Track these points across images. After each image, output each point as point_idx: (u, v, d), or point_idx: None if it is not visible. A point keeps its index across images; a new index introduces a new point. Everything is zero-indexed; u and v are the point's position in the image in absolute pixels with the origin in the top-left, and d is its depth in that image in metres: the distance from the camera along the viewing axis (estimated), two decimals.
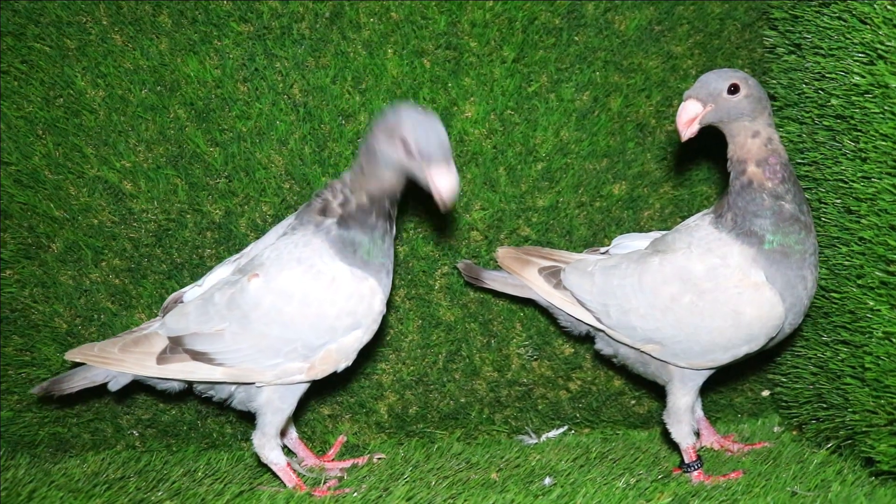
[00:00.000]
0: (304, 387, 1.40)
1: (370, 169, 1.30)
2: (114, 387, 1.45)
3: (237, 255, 1.45)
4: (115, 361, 1.39)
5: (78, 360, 1.41)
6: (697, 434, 1.58)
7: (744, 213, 1.35)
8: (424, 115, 1.25)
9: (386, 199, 1.33)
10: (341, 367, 1.38)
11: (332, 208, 1.34)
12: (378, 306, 1.34)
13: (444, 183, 1.23)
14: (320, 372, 1.36)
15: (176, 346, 1.37)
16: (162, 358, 1.37)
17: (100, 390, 1.49)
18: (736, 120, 1.34)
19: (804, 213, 1.36)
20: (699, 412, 1.61)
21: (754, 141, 1.35)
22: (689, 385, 1.45)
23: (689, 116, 1.34)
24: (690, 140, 1.66)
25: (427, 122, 1.24)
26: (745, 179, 1.35)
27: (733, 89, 1.33)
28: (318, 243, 1.33)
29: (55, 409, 1.59)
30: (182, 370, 1.37)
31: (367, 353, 1.62)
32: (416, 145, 1.22)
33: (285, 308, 1.31)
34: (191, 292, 1.43)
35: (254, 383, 1.38)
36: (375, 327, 1.37)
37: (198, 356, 1.36)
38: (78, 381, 1.44)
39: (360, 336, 1.35)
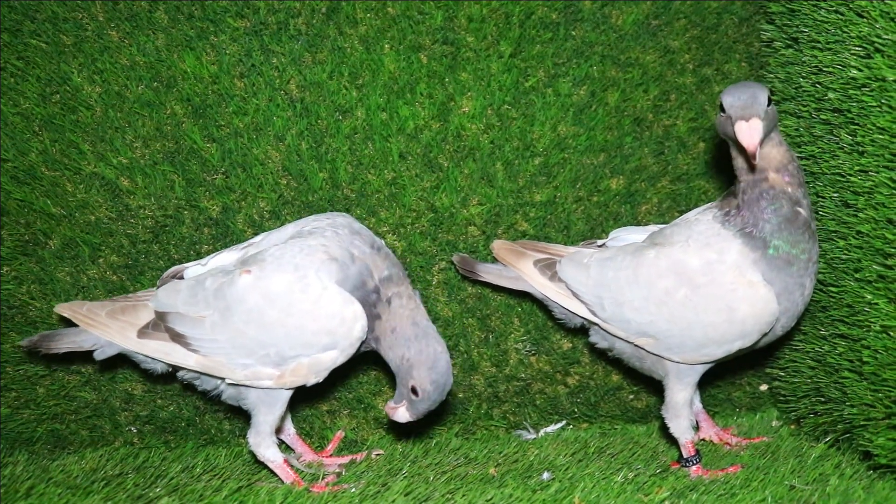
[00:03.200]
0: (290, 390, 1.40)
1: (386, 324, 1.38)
2: (99, 356, 1.45)
3: (246, 243, 1.45)
4: (99, 325, 1.39)
5: (66, 315, 1.41)
6: (696, 427, 1.58)
7: (757, 219, 1.33)
8: (444, 360, 1.37)
9: None
10: (311, 382, 1.37)
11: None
12: (358, 332, 1.33)
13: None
14: (290, 382, 1.36)
15: (160, 321, 1.37)
16: (143, 332, 1.37)
17: (86, 359, 1.50)
18: (770, 131, 1.31)
19: (813, 220, 1.35)
20: (698, 405, 1.61)
21: (780, 149, 1.33)
22: (685, 380, 1.44)
23: (761, 136, 1.25)
24: (690, 135, 1.68)
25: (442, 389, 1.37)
26: (765, 186, 1.32)
27: (770, 100, 1.28)
28: (321, 258, 1.34)
29: (53, 405, 1.59)
30: (159, 349, 1.37)
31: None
32: (422, 389, 1.35)
33: (267, 311, 1.31)
34: (192, 269, 1.43)
35: (224, 379, 1.38)
36: (352, 351, 1.36)
37: (177, 337, 1.36)
38: (66, 343, 1.44)
39: (335, 357, 1.35)
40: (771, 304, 1.33)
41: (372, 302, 1.35)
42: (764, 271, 1.33)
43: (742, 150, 1.29)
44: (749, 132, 1.25)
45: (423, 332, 1.36)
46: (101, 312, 1.40)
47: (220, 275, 1.37)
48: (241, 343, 1.33)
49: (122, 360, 1.49)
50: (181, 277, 1.43)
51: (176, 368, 1.43)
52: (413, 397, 1.35)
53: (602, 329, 1.49)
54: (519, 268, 1.53)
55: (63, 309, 1.42)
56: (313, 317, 1.31)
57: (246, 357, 1.34)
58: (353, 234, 1.39)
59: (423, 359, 1.34)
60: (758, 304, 1.33)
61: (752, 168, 1.33)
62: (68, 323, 1.46)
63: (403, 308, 1.36)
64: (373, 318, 1.35)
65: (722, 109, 1.29)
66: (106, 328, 1.39)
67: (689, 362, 1.42)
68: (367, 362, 1.65)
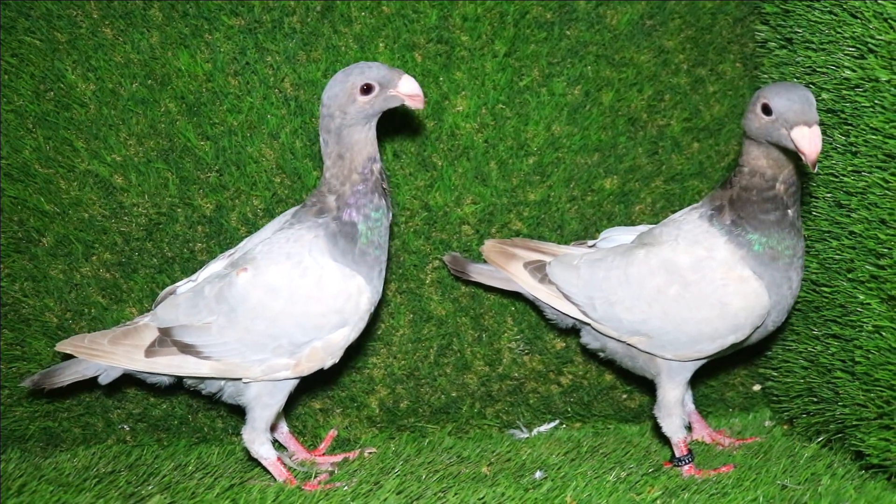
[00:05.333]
0: (294, 382, 1.40)
1: (344, 144, 1.31)
2: (104, 380, 1.45)
3: (232, 250, 1.45)
4: (104, 354, 1.39)
5: (68, 352, 1.41)
6: (689, 428, 1.58)
7: (748, 220, 1.33)
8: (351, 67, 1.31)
9: (374, 166, 1.33)
10: (328, 364, 1.38)
11: (329, 206, 1.34)
12: (365, 304, 1.34)
13: (411, 89, 1.30)
14: (307, 369, 1.36)
15: (165, 337, 1.37)
16: (150, 351, 1.37)
17: (91, 384, 1.49)
18: None
19: (798, 219, 1.35)
20: (690, 406, 1.61)
21: (791, 157, 1.30)
22: (677, 379, 1.44)
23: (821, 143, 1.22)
24: (685, 136, 1.68)
25: (363, 65, 1.30)
26: (770, 194, 1.31)
27: None
28: (310, 238, 1.33)
29: (46, 403, 1.59)
30: (170, 364, 1.37)
31: (358, 347, 1.62)
32: (378, 80, 1.28)
33: (272, 304, 1.31)
34: (184, 287, 1.43)
35: (241, 379, 1.38)
36: (363, 325, 1.37)
37: (185, 349, 1.36)
38: (69, 375, 1.44)
39: (347, 334, 1.35)
40: (763, 297, 1.33)
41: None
42: (752, 266, 1.33)
43: (788, 155, 1.28)
44: (812, 139, 1.21)
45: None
46: (104, 341, 1.39)
47: (216, 280, 1.37)
48: (251, 340, 1.33)
49: (127, 380, 1.49)
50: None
51: (183, 377, 1.43)
52: (376, 87, 1.28)
53: (594, 329, 1.49)
54: (509, 270, 1.53)
55: (65, 346, 1.41)
56: (318, 299, 1.31)
57: (259, 353, 1.34)
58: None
59: (344, 92, 1.29)
60: (750, 298, 1.33)
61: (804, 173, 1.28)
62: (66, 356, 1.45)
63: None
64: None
65: (767, 112, 1.25)
66: (111, 355, 1.39)
67: (681, 359, 1.42)
68: (360, 357, 1.65)
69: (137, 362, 1.38)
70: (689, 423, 1.60)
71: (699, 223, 1.39)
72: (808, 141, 1.21)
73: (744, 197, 1.34)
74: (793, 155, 1.28)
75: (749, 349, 1.48)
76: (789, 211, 1.33)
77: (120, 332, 1.40)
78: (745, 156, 1.34)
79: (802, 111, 1.22)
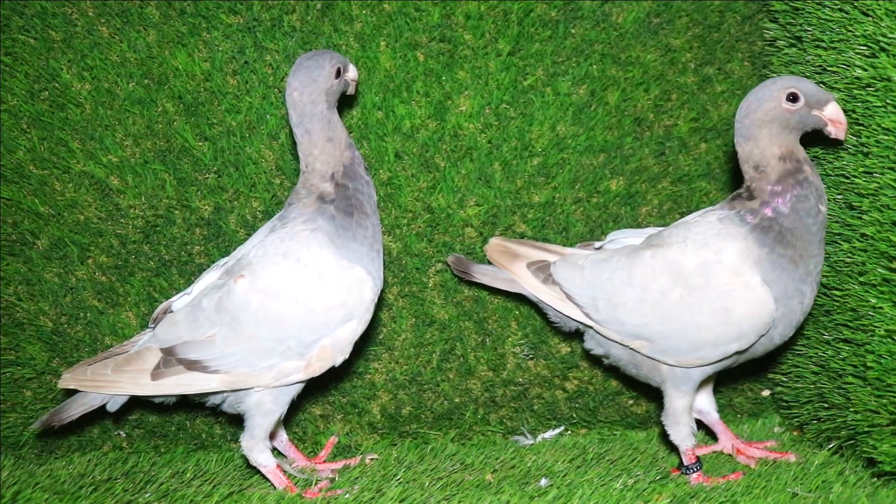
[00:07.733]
0: (297, 389, 1.38)
1: (331, 126, 1.32)
2: (112, 407, 1.43)
3: (226, 259, 1.43)
4: (108, 384, 1.37)
5: (72, 387, 1.38)
6: (709, 434, 1.55)
7: (782, 209, 1.32)
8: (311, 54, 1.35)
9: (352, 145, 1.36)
10: (338, 360, 1.36)
11: (325, 191, 1.33)
12: (369, 294, 1.33)
13: (354, 74, 1.39)
14: (318, 368, 1.35)
15: (169, 356, 1.34)
16: (156, 373, 1.35)
17: (100, 413, 1.48)
18: None
19: (823, 229, 1.35)
20: (714, 415, 1.55)
21: (799, 146, 1.36)
22: (682, 388, 1.42)
23: None
24: (692, 136, 1.66)
25: (322, 52, 1.35)
26: (801, 177, 1.33)
27: None
28: (307, 234, 1.32)
29: (40, 409, 1.57)
30: (178, 383, 1.35)
31: (360, 352, 1.61)
32: (340, 63, 1.34)
33: (274, 307, 1.29)
34: (179, 301, 1.41)
35: (251, 388, 1.36)
36: (368, 316, 1.35)
37: (192, 365, 1.33)
38: (76, 409, 1.42)
39: (355, 327, 1.33)
40: (768, 304, 1.31)
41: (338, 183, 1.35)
42: (765, 272, 1.31)
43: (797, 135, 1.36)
44: (840, 111, 1.34)
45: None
46: (107, 371, 1.37)
47: (214, 291, 1.34)
48: (258, 347, 1.31)
49: (134, 403, 1.47)
50: (171, 312, 1.41)
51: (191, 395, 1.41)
52: (337, 77, 1.34)
53: (597, 333, 1.46)
54: (512, 270, 1.51)
55: (68, 382, 1.38)
56: (320, 295, 1.30)
57: (268, 359, 1.32)
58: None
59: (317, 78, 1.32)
60: (754, 304, 1.31)
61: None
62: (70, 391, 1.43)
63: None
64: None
65: (793, 100, 1.33)
66: (117, 384, 1.37)
67: (683, 365, 1.39)
68: (361, 362, 1.62)
69: (144, 387, 1.36)
70: (714, 434, 1.56)
71: (714, 225, 1.36)
72: (840, 112, 1.35)
73: (778, 189, 1.33)
74: (805, 138, 1.38)
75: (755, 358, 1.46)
76: (822, 207, 1.34)
77: (122, 359, 1.38)
78: (755, 152, 1.35)
79: (823, 91, 1.35)
